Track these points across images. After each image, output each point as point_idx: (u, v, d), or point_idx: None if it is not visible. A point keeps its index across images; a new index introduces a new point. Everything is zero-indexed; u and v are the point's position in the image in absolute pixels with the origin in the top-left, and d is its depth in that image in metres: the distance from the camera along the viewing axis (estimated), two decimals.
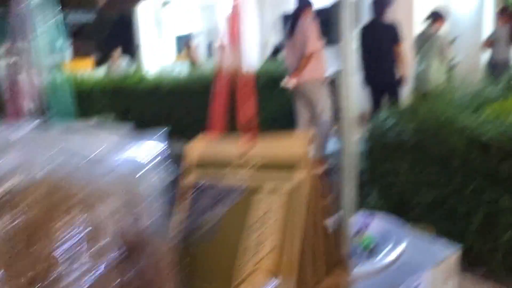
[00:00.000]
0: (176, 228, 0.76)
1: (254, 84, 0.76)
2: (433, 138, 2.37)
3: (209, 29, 9.95)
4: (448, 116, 2.42)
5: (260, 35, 7.99)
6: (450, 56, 4.99)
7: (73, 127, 0.64)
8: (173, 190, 0.74)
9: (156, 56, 10.18)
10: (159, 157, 0.67)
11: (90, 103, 5.88)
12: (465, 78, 4.34)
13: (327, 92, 4.11)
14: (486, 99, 2.83)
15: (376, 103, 4.47)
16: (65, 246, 0.58)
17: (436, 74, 4.77)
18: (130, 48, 10.28)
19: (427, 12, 5.02)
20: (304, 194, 0.69)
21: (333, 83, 4.06)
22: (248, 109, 0.76)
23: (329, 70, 4.18)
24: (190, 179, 0.81)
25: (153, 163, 0.65)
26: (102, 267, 0.60)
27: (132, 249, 0.62)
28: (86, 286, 0.57)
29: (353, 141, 1.15)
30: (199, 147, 0.83)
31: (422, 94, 4.47)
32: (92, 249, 0.59)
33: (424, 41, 4.85)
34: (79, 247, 0.59)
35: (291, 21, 4.15)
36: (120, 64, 8.50)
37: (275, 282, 0.66)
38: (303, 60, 3.98)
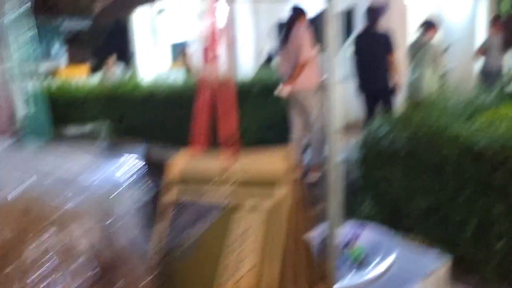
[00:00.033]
0: (156, 246, 0.75)
1: (236, 98, 0.75)
2: (426, 146, 2.37)
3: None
4: (441, 125, 2.42)
5: (255, 43, 8.01)
6: (443, 65, 5.01)
7: (46, 147, 0.63)
8: (153, 207, 0.73)
9: (152, 63, 10.18)
10: (136, 175, 0.66)
11: (84, 109, 5.87)
12: (458, 87, 4.35)
13: (321, 100, 4.10)
14: (479, 107, 2.84)
15: (370, 111, 4.48)
16: (39, 267, 0.57)
17: (429, 83, 4.79)
18: (125, 55, 10.28)
19: (420, 21, 5.04)
20: (285, 211, 0.68)
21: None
22: (229, 124, 0.75)
23: (323, 77, 4.18)
24: (171, 195, 0.80)
25: (130, 181, 0.64)
26: (77, 287, 0.59)
27: (108, 268, 0.61)
28: None
29: (339, 150, 1.14)
30: (180, 163, 0.81)
31: (416, 102, 4.48)
32: (67, 269, 0.58)
33: (417, 49, 4.87)
34: (53, 268, 0.58)
35: (285, 29, 4.16)
36: (115, 71, 8.50)
37: None
38: (297, 68, 3.98)
